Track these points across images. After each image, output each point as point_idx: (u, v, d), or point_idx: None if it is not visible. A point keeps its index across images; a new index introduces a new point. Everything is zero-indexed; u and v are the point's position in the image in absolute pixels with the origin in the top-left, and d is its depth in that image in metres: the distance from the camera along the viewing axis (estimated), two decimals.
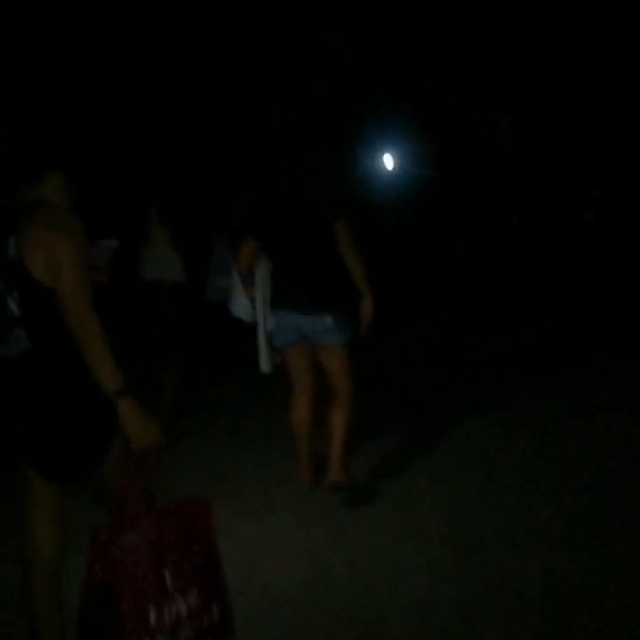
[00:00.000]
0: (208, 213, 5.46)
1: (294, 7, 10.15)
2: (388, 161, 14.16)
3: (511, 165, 16.10)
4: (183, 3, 9.21)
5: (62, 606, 2.45)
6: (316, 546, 3.52)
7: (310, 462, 4.11)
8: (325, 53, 10.77)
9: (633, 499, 3.80)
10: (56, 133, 2.42)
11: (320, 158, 4.03)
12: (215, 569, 2.36)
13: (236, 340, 5.11)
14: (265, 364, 4.11)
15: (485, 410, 5.34)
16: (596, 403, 5.34)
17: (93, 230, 2.36)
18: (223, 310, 4.67)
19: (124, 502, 2.26)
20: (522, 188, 16.24)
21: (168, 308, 5.03)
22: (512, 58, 12.84)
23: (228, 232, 5.32)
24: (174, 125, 8.85)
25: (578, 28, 12.27)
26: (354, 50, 11.33)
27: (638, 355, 6.40)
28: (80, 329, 2.16)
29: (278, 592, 3.13)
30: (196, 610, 2.26)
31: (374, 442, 4.77)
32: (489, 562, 3.30)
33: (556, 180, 16.62)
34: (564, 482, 4.10)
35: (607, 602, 2.93)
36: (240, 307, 4.15)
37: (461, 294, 9.96)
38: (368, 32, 11.36)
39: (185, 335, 5.24)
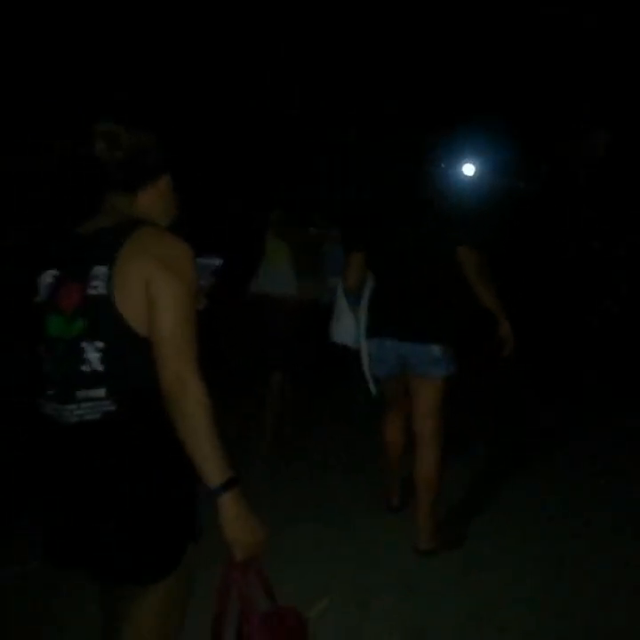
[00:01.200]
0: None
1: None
2: (469, 169, 13.51)
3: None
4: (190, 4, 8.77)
5: None
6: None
7: (397, 487, 3.93)
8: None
9: None
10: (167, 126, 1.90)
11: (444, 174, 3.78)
12: None
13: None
14: (374, 388, 3.72)
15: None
16: None
17: (194, 246, 1.80)
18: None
19: (222, 629, 1.81)
20: None
21: (288, 326, 4.79)
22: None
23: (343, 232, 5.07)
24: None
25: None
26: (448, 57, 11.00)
27: None
28: (179, 399, 1.60)
29: None
30: None
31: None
32: None
33: None
34: None
35: None
36: (343, 330, 3.77)
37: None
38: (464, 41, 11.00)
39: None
